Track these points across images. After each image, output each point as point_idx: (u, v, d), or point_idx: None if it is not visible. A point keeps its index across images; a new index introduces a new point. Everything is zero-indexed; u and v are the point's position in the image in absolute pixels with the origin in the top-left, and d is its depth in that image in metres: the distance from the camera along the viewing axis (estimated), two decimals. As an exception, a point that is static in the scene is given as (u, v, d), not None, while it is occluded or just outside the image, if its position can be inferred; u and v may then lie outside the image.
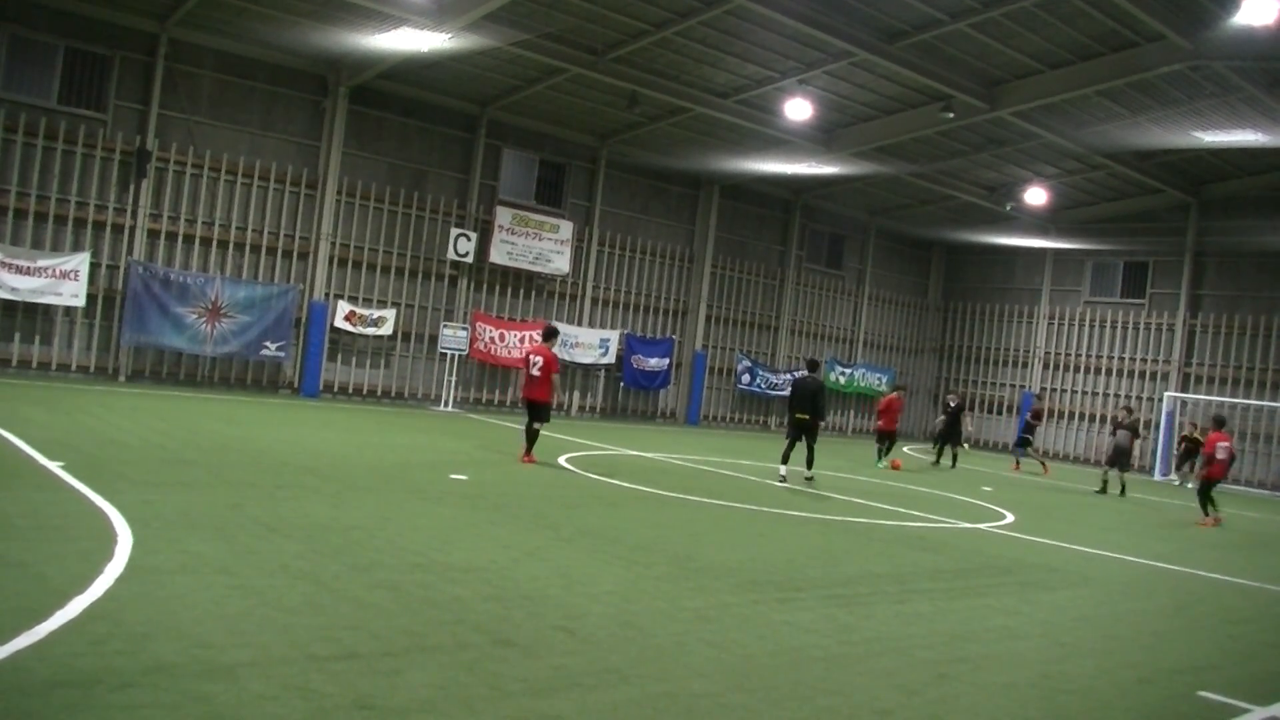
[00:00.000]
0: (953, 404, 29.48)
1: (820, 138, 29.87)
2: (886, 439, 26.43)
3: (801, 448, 18.65)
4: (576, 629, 7.13)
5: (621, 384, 32.63)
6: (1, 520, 8.45)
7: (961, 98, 25.97)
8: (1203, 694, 7.34)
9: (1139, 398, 35.88)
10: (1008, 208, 35.38)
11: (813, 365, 19.95)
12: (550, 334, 18.57)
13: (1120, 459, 24.15)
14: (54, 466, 11.22)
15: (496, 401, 30.27)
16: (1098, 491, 24.29)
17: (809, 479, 18.51)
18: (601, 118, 29.80)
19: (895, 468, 24.64)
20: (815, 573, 10.49)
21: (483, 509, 11.94)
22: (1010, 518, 17.18)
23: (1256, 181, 33.26)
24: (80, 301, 23.84)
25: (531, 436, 17.40)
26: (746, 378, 35.47)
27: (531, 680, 5.98)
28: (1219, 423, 20.68)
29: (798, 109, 26.55)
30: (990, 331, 40.97)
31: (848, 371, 38.45)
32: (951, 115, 26.45)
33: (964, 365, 41.52)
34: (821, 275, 38.54)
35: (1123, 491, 24.21)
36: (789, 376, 36.08)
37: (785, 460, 18.67)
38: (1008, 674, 7.33)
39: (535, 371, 17.45)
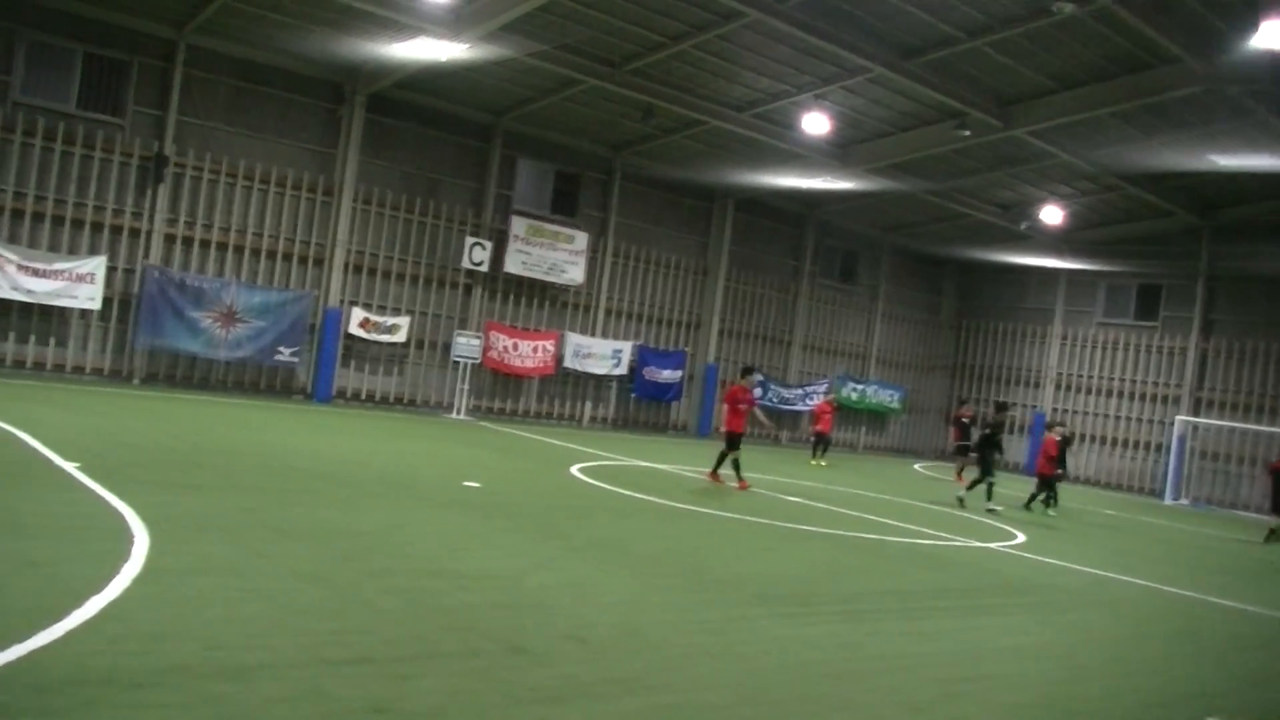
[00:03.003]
0: (966, 419, 29.54)
1: (835, 153, 29.93)
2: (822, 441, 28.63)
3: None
4: (587, 638, 7.17)
5: (633, 395, 32.67)
6: (19, 520, 8.52)
7: (977, 115, 26.00)
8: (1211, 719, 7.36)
9: (1150, 421, 35.80)
10: (1023, 227, 35.34)
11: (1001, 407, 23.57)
12: (745, 371, 21.41)
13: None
14: (70, 468, 11.30)
15: (509, 410, 30.34)
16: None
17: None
18: (617, 129, 29.91)
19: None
20: (824, 588, 10.52)
21: (494, 517, 11.99)
22: (1021, 538, 17.17)
23: (1269, 207, 33.11)
24: (96, 304, 23.97)
25: (732, 463, 18.89)
26: (758, 392, 35.44)
27: (542, 688, 6.02)
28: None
29: (813, 123, 26.60)
30: (1003, 351, 40.89)
31: (860, 388, 38.41)
32: (967, 133, 26.48)
33: (976, 384, 41.42)
34: (834, 291, 38.56)
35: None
36: (800, 391, 36.19)
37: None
38: (1015, 694, 7.35)
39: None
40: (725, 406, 20.02)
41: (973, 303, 42.24)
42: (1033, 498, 22.53)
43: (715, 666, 6.97)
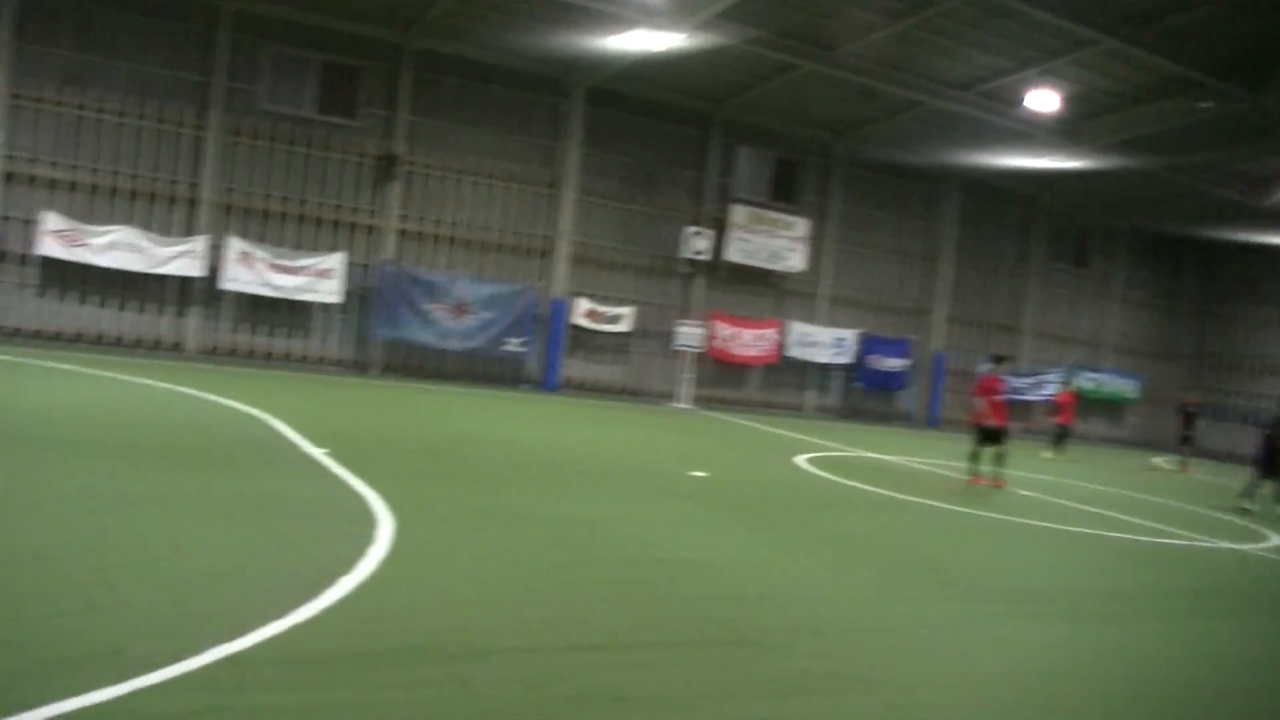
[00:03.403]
0: (1192, 408, 28.34)
1: (1064, 130, 28.62)
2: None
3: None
4: (823, 631, 7.04)
5: (857, 384, 32.21)
6: (277, 502, 8.98)
7: (1217, 85, 24.42)
8: None
9: None
10: (1269, 203, 33.06)
11: None
12: (995, 359, 19.52)
13: None
14: (319, 454, 11.85)
15: (732, 399, 30.37)
16: None
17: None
18: (836, 113, 29.48)
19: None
20: (1068, 586, 10.05)
21: (722, 507, 11.96)
22: (1275, 540, 16.03)
23: None
24: (337, 299, 25.20)
25: (994, 459, 17.55)
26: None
27: (778, 681, 5.93)
28: None
29: (1041, 100, 25.57)
30: (1254, 338, 38.17)
31: (1094, 377, 36.74)
32: (1208, 105, 24.92)
33: (1221, 373, 38.89)
34: (1067, 275, 37.01)
35: None
36: (1031, 381, 34.87)
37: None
38: (1249, 701, 6.84)
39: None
40: (979, 399, 18.04)
41: (1217, 286, 39.70)
42: None
43: (957, 667, 6.74)
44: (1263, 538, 15.96)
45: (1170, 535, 14.62)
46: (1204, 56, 23.87)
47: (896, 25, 23.54)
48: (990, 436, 17.54)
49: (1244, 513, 18.60)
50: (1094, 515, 15.60)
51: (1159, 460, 30.46)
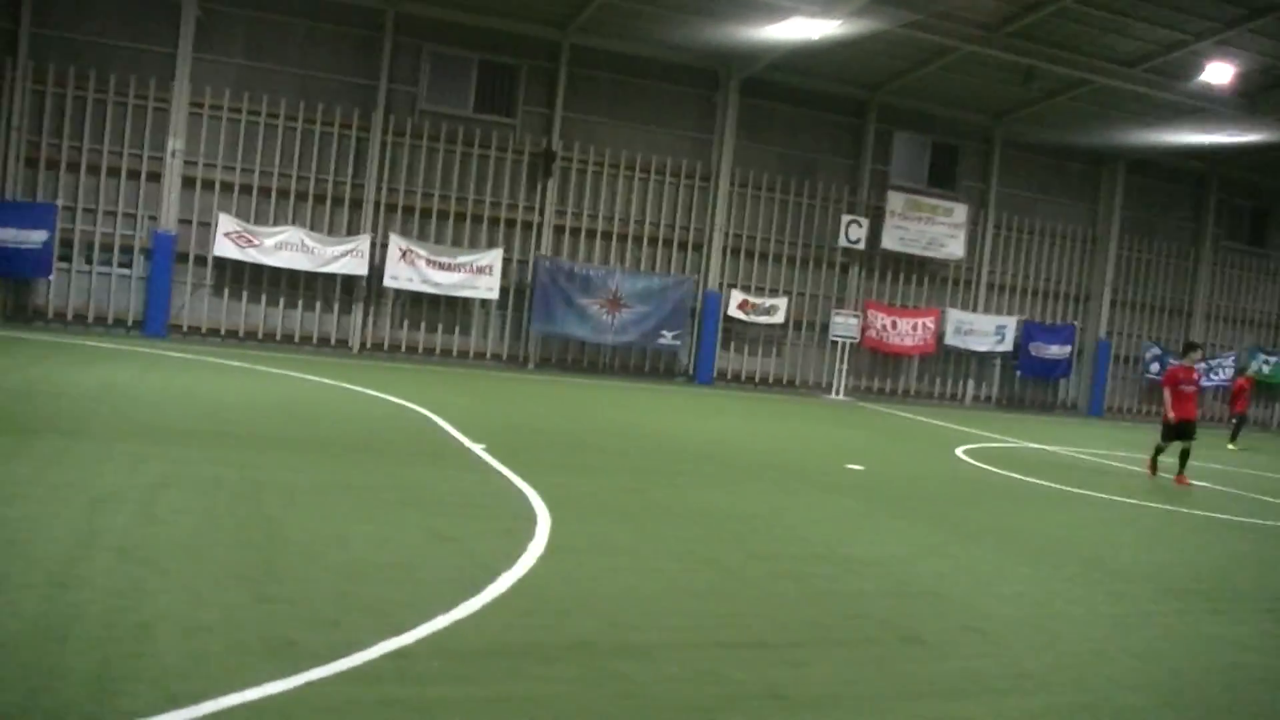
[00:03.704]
0: None
1: (1241, 102, 27.27)
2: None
3: None
4: (986, 629, 6.86)
5: (1018, 373, 31.35)
6: (437, 498, 9.19)
7: None
8: None
9: None
10: None
11: None
12: (1186, 349, 17.68)
13: None
14: (478, 449, 12.09)
15: (888, 390, 29.91)
16: None
17: None
18: (995, 96, 28.70)
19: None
20: (1247, 583, 9.60)
21: (879, 501, 11.78)
22: None
23: None
24: (494, 294, 25.69)
25: (1180, 455, 16.55)
26: (1156, 366, 33.10)
27: (940, 681, 5.80)
28: None
29: (1216, 73, 24.48)
30: None
31: (1272, 360, 35.02)
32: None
33: None
34: (1242, 255, 35.33)
35: None
36: (1204, 366, 33.37)
37: None
38: None
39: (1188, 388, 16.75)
40: (1166, 391, 16.65)
41: None
42: None
43: (1130, 665, 6.48)
44: None
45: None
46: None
47: (1059, 3, 22.82)
48: (1180, 432, 16.32)
49: None
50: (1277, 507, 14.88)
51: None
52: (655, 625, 6.21)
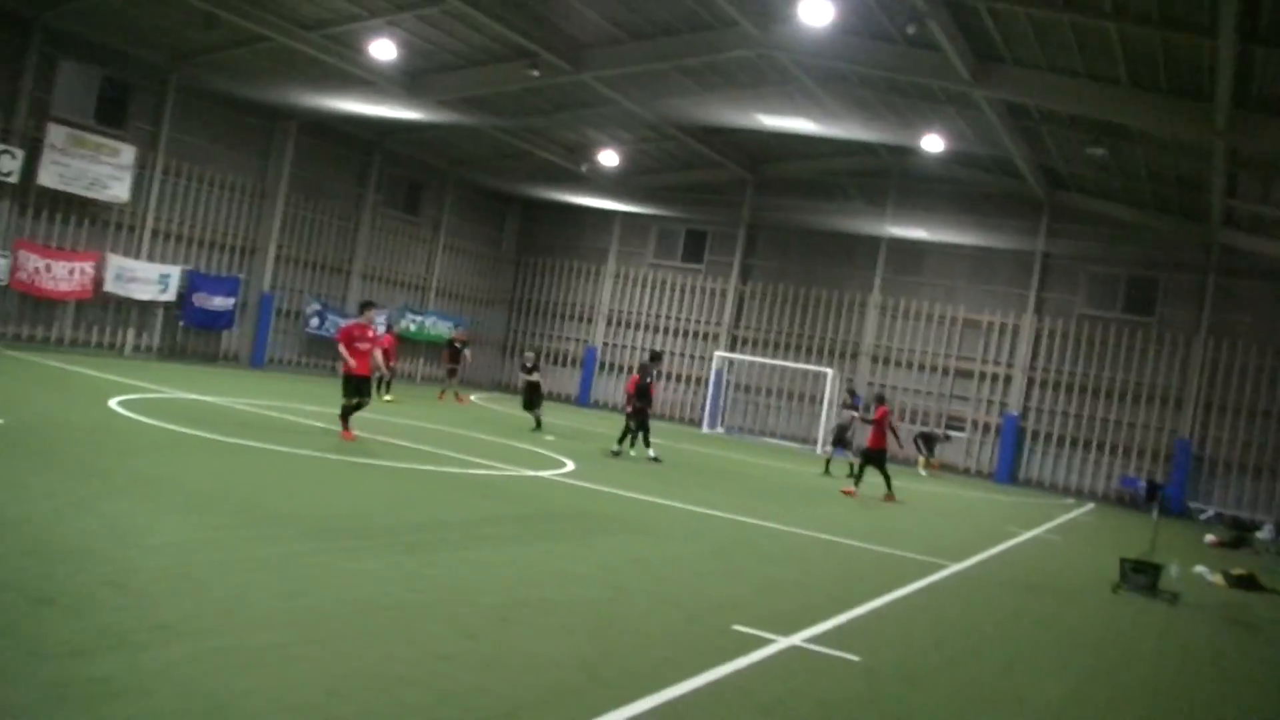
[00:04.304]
0: (459, 344, 31.37)
1: (406, 82, 29.33)
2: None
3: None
4: (127, 584, 6.76)
5: (181, 323, 30.78)
6: None
7: (548, 57, 26.42)
8: (737, 628, 8.06)
9: (692, 356, 38.37)
10: (583, 168, 36.56)
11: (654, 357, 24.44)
12: (364, 306, 17.91)
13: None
14: None
15: (40, 338, 27.53)
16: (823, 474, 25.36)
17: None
18: (177, 37, 27.61)
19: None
20: (383, 520, 10.51)
21: (22, 456, 10.98)
22: (570, 465, 17.92)
23: (806, 165, 36.54)
24: None
25: (343, 411, 16.46)
26: (316, 321, 34.54)
27: (75, 641, 5.60)
28: (880, 399, 22.03)
29: (383, 49, 26.03)
30: (560, 287, 42.33)
31: (418, 319, 38.35)
32: (537, 73, 26.86)
33: (534, 319, 42.70)
34: (398, 221, 38.16)
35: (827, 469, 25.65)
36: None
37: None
38: (566, 616, 7.70)
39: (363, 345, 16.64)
40: (342, 347, 17.02)
41: (533, 239, 43.33)
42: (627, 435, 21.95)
43: (271, 605, 6.80)
44: (561, 464, 17.72)
45: (489, 467, 15.75)
46: (537, 29, 25.67)
47: (241, -47, 22.67)
48: (357, 387, 16.88)
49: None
50: (419, 452, 16.37)
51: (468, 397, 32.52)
52: None
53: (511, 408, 29.59)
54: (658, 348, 35.60)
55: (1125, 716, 7.51)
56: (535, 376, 25.69)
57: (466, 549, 9.61)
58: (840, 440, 26.70)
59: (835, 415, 27.51)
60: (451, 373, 32.18)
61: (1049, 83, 22.85)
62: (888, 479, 20.73)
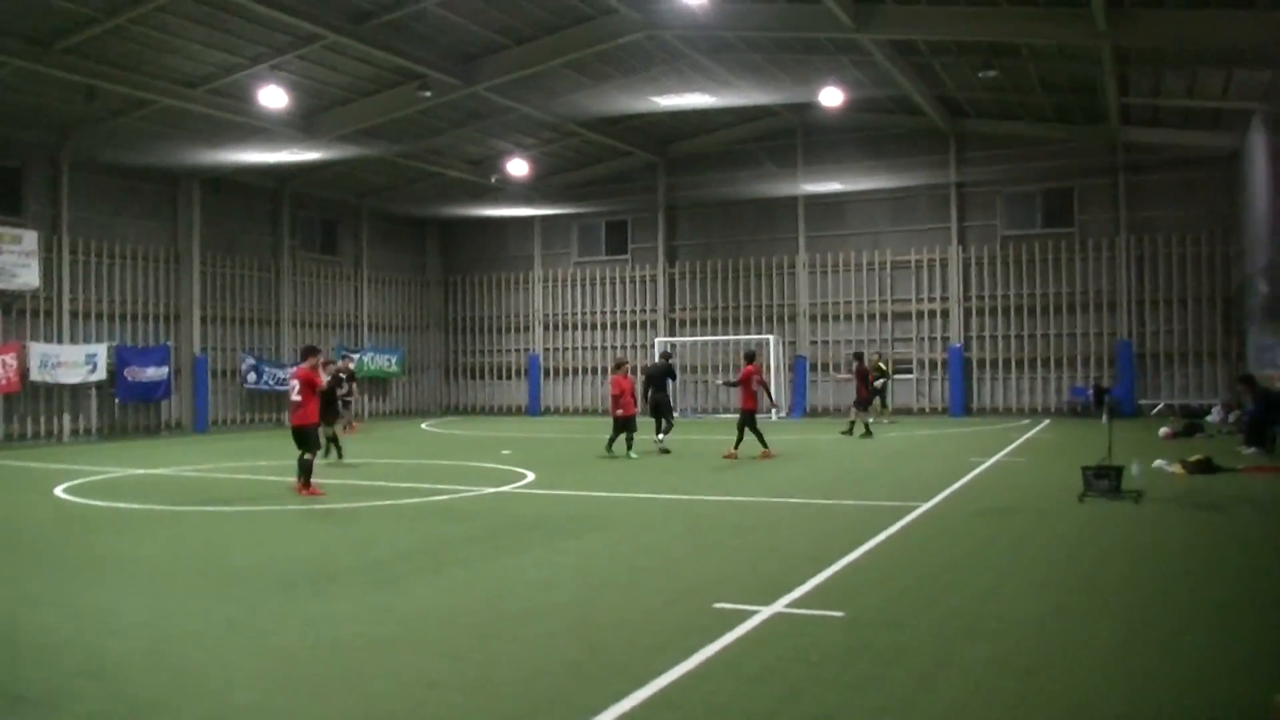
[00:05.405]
0: (343, 374, 29.71)
1: (300, 123, 29.06)
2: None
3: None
4: (100, 669, 6.63)
5: (118, 400, 30.31)
6: None
7: (437, 76, 26.33)
8: (718, 605, 8.07)
9: (634, 346, 38.37)
10: (493, 180, 36.43)
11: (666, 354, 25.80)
12: (309, 352, 16.54)
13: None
14: None
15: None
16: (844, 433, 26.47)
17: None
18: (59, 114, 27.14)
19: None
20: (348, 560, 10.41)
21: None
22: (531, 476, 17.86)
23: (713, 139, 36.71)
24: None
25: (303, 467, 15.38)
26: (253, 376, 34.19)
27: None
28: (750, 357, 22.31)
29: (272, 96, 25.78)
30: (491, 301, 42.31)
31: (355, 356, 38.00)
32: (429, 94, 26.76)
33: (470, 336, 42.59)
34: (318, 263, 37.84)
35: (865, 430, 26.19)
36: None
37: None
38: (546, 623, 7.67)
39: (295, 396, 15.58)
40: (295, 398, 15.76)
41: (457, 258, 43.24)
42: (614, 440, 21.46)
43: (246, 663, 6.71)
44: (521, 477, 17.66)
45: (450, 491, 15.64)
46: (421, 49, 25.53)
47: (113, 20, 22.16)
48: (297, 437, 15.80)
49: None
50: (377, 488, 16.21)
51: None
52: None
53: (469, 428, 29.29)
54: (668, 345, 35.62)
55: (1107, 621, 7.60)
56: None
57: (437, 574, 9.55)
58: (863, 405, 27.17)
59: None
60: (345, 404, 28.91)
61: (930, 15, 23.15)
62: (759, 436, 20.80)
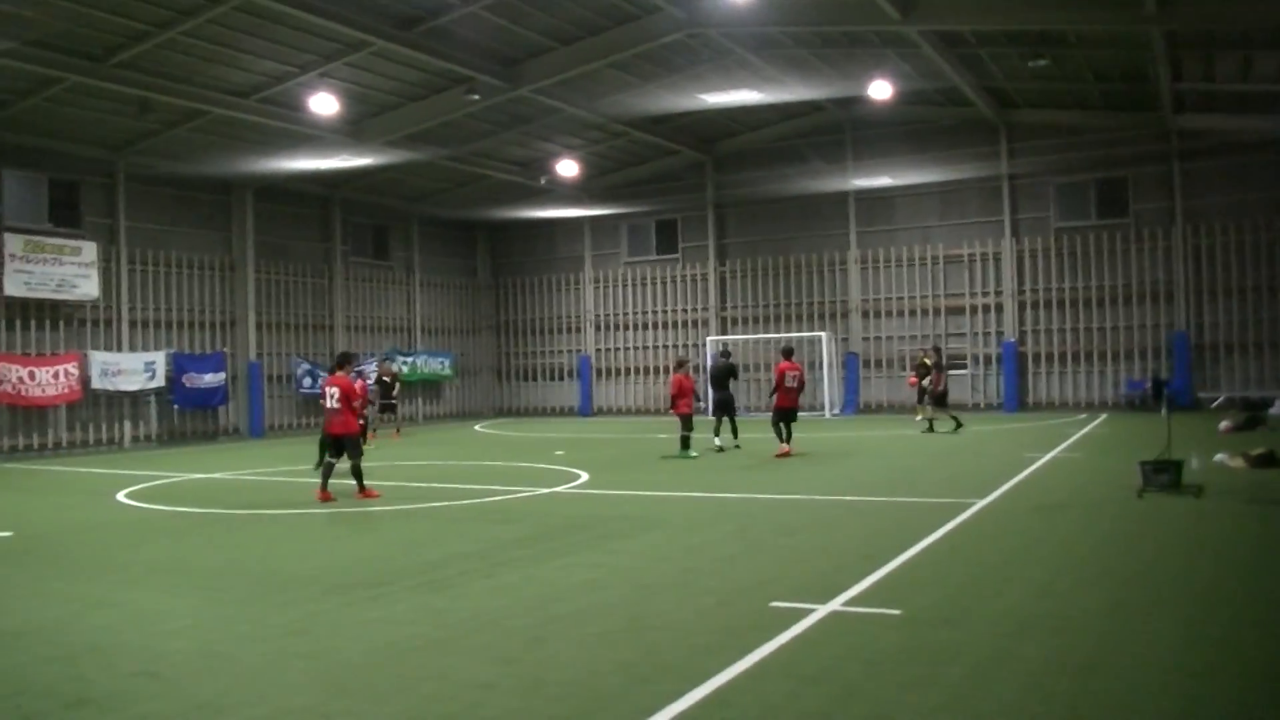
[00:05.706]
0: (386, 378, 30.04)
1: (349, 129, 29.32)
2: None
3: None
4: (158, 671, 6.72)
5: (175, 407, 30.75)
6: None
7: (483, 79, 26.44)
8: (774, 604, 8.03)
9: (685, 345, 38.28)
10: (542, 181, 36.54)
11: (725, 353, 25.22)
12: (345, 360, 16.63)
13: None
14: None
15: (35, 446, 27.42)
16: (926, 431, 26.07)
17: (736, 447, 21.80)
18: (113, 128, 27.62)
19: None
20: (402, 563, 10.46)
21: (33, 564, 10.94)
22: (585, 476, 17.89)
23: (759, 136, 36.52)
24: None
25: (326, 470, 15.61)
26: (308, 381, 34.51)
27: (115, 735, 5.59)
28: (787, 354, 22.19)
29: (322, 103, 26.05)
30: (542, 303, 42.36)
31: (410, 360, 38.29)
32: (476, 97, 26.89)
33: (522, 338, 42.72)
34: (370, 268, 38.15)
35: (928, 426, 26.18)
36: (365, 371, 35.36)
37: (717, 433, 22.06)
38: (598, 624, 7.66)
39: (334, 404, 15.62)
40: (329, 405, 15.74)
41: (507, 261, 43.37)
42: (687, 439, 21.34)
43: (302, 667, 6.77)
44: (575, 478, 17.69)
45: (503, 492, 15.69)
46: (467, 54, 25.65)
47: (165, 33, 22.49)
48: (337, 446, 15.87)
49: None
50: (430, 490, 16.30)
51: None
52: None
53: (521, 430, 29.33)
54: (728, 347, 35.51)
55: (1166, 619, 7.47)
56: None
57: (489, 577, 9.57)
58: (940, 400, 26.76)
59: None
60: (390, 408, 30.05)
61: (977, 4, 22.93)
62: (779, 432, 20.78)
